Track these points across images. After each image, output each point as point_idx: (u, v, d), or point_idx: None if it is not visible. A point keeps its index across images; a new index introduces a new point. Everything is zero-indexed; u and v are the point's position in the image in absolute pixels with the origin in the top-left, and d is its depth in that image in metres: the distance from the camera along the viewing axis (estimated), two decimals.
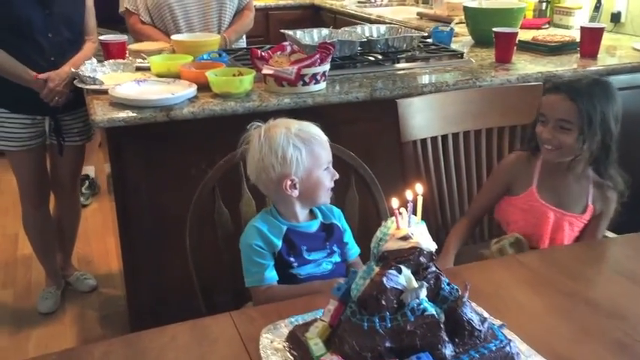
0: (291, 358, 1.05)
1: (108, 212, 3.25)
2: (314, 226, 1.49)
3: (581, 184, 1.68)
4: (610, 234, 1.74)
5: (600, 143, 1.60)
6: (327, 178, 1.45)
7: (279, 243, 1.44)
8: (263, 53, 2.14)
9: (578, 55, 2.61)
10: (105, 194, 3.64)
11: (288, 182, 1.41)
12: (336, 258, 1.50)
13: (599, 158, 1.63)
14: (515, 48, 2.54)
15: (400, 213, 1.01)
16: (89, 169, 3.65)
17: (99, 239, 3.22)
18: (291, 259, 1.45)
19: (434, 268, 1.04)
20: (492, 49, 2.56)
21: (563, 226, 1.68)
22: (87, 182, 3.66)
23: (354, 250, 1.56)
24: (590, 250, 1.50)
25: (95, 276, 2.87)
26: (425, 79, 2.28)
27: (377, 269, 1.00)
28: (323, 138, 1.45)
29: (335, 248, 1.49)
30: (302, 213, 1.48)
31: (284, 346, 1.08)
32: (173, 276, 2.15)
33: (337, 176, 1.47)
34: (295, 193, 1.43)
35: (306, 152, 1.41)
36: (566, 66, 2.46)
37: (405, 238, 1.00)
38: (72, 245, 2.79)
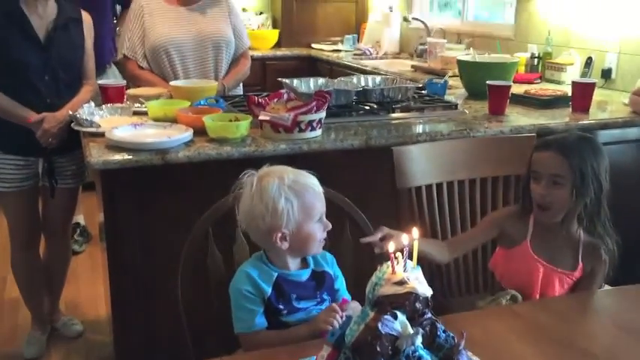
0: None
1: (98, 258, 3.21)
2: (305, 274, 1.48)
3: (572, 241, 1.68)
4: (606, 286, 1.73)
5: (592, 198, 1.61)
6: (320, 230, 1.43)
7: (268, 289, 1.42)
8: (260, 100, 2.16)
9: (570, 109, 2.65)
10: (96, 240, 3.61)
11: (279, 235, 1.40)
12: (327, 305, 1.47)
13: (591, 214, 1.63)
14: (508, 101, 2.57)
15: (396, 257, 1.00)
16: (79, 218, 3.63)
17: (88, 284, 3.17)
18: (281, 306, 1.42)
19: (430, 315, 1.02)
20: (486, 101, 2.59)
21: (553, 282, 1.67)
22: (78, 230, 3.63)
23: (344, 296, 1.53)
24: (585, 302, 1.49)
25: (82, 321, 2.82)
26: (420, 129, 2.31)
27: (372, 314, 0.99)
28: (317, 189, 1.43)
29: (325, 296, 1.47)
30: (293, 262, 1.47)
31: None
32: (162, 323, 2.12)
33: (330, 227, 1.45)
34: (285, 245, 1.41)
35: (298, 205, 1.39)
36: (558, 119, 2.49)
37: (401, 282, 0.99)
38: (60, 290, 2.75)
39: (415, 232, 1.01)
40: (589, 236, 1.66)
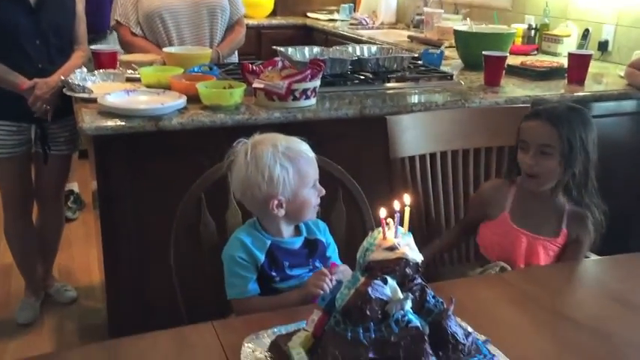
0: None
1: (91, 225, 3.21)
2: (298, 242, 1.48)
3: (556, 209, 1.68)
4: (594, 256, 1.74)
5: (580, 169, 1.61)
6: (314, 196, 1.44)
7: (262, 257, 1.43)
8: (254, 67, 2.14)
9: (566, 81, 2.64)
10: (89, 208, 3.61)
11: (275, 202, 1.40)
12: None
13: (579, 185, 1.63)
14: (504, 72, 2.56)
15: (387, 223, 1.01)
16: (73, 185, 3.62)
17: (82, 252, 3.18)
18: (273, 273, 1.43)
19: (419, 280, 1.03)
20: (481, 72, 2.58)
21: (537, 250, 1.68)
22: (72, 197, 3.63)
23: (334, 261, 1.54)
24: (574, 270, 1.51)
25: (76, 288, 2.83)
26: (414, 99, 2.30)
27: (362, 279, 1.00)
28: (310, 155, 1.44)
29: (317, 264, 1.48)
30: (287, 229, 1.47)
31: (266, 356, 1.06)
32: (155, 289, 2.12)
33: (324, 192, 1.46)
34: (282, 212, 1.42)
35: (293, 171, 1.39)
36: (553, 91, 2.49)
37: (392, 248, 0.99)
38: (53, 256, 2.75)
39: (407, 198, 1.01)
40: (575, 206, 1.66)
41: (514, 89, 2.49)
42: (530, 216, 1.69)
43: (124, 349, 1.10)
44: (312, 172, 1.43)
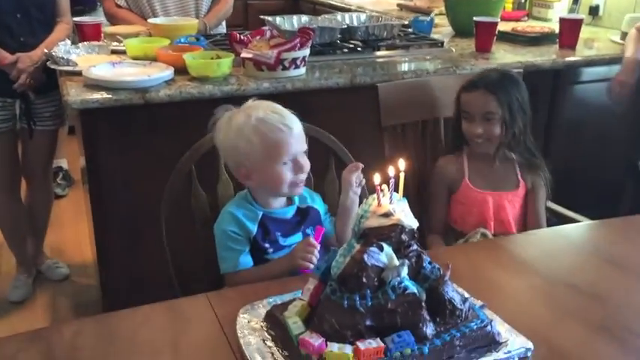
0: (269, 337, 1.02)
1: (81, 201, 3.18)
2: (290, 212, 1.46)
3: (508, 164, 1.79)
4: (587, 220, 1.74)
5: (520, 126, 1.73)
6: (289, 172, 1.38)
7: (254, 228, 1.41)
8: (242, 37, 2.10)
9: (557, 46, 2.62)
10: (79, 185, 3.57)
11: (242, 172, 1.39)
12: None
13: (519, 141, 1.75)
14: (494, 38, 2.53)
15: (382, 190, 0.99)
16: (62, 162, 3.58)
17: (72, 227, 3.15)
18: (266, 244, 1.41)
19: (415, 246, 1.02)
20: (472, 39, 2.56)
21: (504, 205, 1.77)
22: (61, 174, 3.59)
23: (331, 229, 1.52)
24: (569, 235, 1.50)
25: (68, 264, 2.81)
26: (405, 67, 2.27)
27: (358, 247, 0.98)
28: (291, 130, 1.36)
29: (309, 232, 1.46)
30: (276, 200, 1.45)
31: (262, 326, 1.05)
32: (148, 264, 2.10)
33: (305, 169, 1.39)
34: (250, 183, 1.41)
35: (260, 146, 1.35)
36: (545, 56, 2.46)
37: (387, 215, 0.98)
38: (44, 233, 2.73)
39: (402, 163, 0.99)
40: (520, 156, 1.78)
41: (505, 55, 2.47)
42: (488, 177, 1.78)
43: (117, 323, 1.09)
44: (287, 148, 1.36)
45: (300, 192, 1.44)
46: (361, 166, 1.40)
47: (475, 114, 1.72)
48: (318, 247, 1.32)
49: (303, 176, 1.41)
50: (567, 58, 2.46)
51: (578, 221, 1.79)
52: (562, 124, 2.64)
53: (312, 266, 1.30)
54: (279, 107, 1.41)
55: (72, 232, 3.12)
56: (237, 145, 1.37)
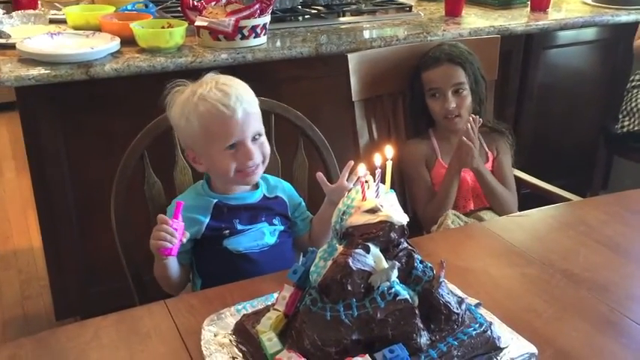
0: (240, 355, 0.88)
1: (27, 185, 2.97)
2: (251, 197, 1.31)
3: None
4: (575, 197, 1.65)
5: (484, 94, 1.74)
6: (230, 159, 1.22)
7: (205, 219, 1.27)
8: (195, 3, 1.92)
9: (529, 9, 2.51)
10: (25, 166, 3.33)
11: (191, 154, 1.28)
12: (279, 228, 1.32)
13: (480, 109, 1.73)
14: (464, 1, 2.41)
15: (366, 181, 0.85)
16: None
17: (18, 214, 2.94)
18: (222, 225, 1.27)
19: (405, 245, 0.89)
20: (441, 2, 2.46)
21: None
22: None
23: (304, 225, 1.38)
24: (558, 215, 1.39)
25: (15, 253, 2.62)
26: (373, 34, 2.12)
27: (340, 248, 0.85)
28: (230, 112, 1.19)
29: (276, 221, 1.32)
30: (237, 186, 1.30)
31: (230, 340, 0.91)
32: (100, 252, 1.96)
33: (251, 156, 1.22)
34: (200, 167, 1.28)
35: (199, 128, 1.20)
36: (517, 20, 2.35)
37: (374, 210, 0.84)
38: None
39: (389, 150, 0.86)
40: (484, 126, 1.75)
41: (476, 20, 2.34)
42: None
43: (62, 344, 0.93)
44: (227, 131, 1.20)
45: (254, 180, 1.29)
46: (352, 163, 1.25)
47: (445, 88, 1.67)
48: (172, 223, 1.13)
49: (254, 163, 1.24)
50: (541, 22, 2.35)
51: (554, 193, 1.74)
52: (533, 90, 2.56)
53: (167, 244, 1.13)
54: (229, 83, 1.24)
55: (19, 219, 2.92)
56: (179, 125, 1.24)
